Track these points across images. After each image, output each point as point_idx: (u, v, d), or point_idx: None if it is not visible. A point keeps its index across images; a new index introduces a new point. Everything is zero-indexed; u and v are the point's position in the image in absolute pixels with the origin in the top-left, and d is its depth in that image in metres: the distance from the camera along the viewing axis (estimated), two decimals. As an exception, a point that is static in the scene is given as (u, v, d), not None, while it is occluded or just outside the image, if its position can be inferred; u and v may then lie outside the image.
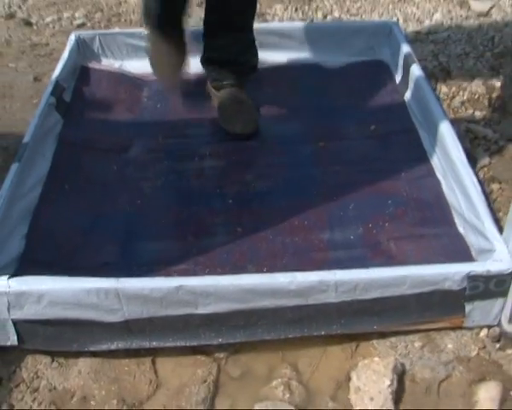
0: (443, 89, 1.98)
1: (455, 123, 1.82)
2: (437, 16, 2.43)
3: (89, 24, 2.48)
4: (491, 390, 1.15)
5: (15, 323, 1.15)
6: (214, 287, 1.13)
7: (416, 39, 2.28)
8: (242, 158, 1.63)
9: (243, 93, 1.78)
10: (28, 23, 2.51)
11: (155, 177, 1.57)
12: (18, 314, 1.14)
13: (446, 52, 2.19)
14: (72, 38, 1.94)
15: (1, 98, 1.98)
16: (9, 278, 1.13)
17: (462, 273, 1.15)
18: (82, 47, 1.95)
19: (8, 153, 1.68)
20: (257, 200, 1.50)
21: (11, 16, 2.55)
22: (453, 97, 1.95)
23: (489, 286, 1.18)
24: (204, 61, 1.82)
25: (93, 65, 1.96)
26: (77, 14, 2.56)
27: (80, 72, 1.90)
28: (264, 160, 1.62)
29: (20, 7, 2.64)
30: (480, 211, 1.29)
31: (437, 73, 2.06)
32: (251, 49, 1.79)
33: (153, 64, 1.72)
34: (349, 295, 1.15)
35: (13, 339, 1.18)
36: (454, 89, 1.98)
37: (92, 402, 1.16)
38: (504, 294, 1.19)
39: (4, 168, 1.55)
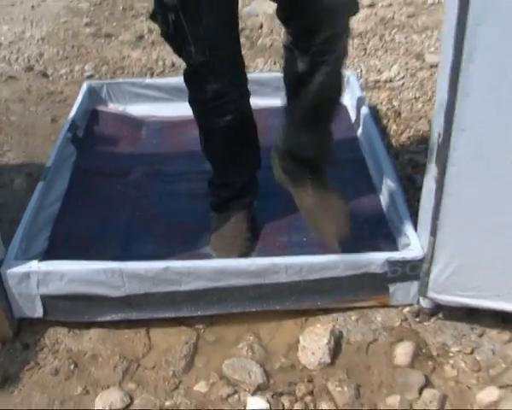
0: (393, 127, 2.38)
1: (400, 154, 2.22)
2: (395, 67, 2.84)
3: (97, 75, 2.89)
4: (406, 348, 1.50)
5: (42, 298, 1.51)
6: (194, 268, 1.49)
7: (375, 87, 2.69)
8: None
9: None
10: (45, 75, 2.92)
11: (151, 195, 1.94)
12: (44, 290, 1.49)
13: (399, 97, 2.59)
14: (85, 86, 2.34)
15: (24, 136, 2.38)
16: (39, 261, 1.50)
17: (383, 259, 1.52)
18: (92, 94, 2.35)
19: (32, 178, 2.06)
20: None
21: (30, 69, 2.97)
22: (401, 134, 2.33)
23: (405, 270, 1.54)
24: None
25: (101, 108, 2.36)
26: (86, 67, 2.97)
27: (91, 114, 2.30)
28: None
29: (37, 61, 3.06)
30: (403, 216, 1.66)
31: (389, 115, 2.46)
32: None
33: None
34: (297, 276, 1.51)
35: (39, 312, 1.53)
36: (402, 127, 2.37)
37: (100, 359, 1.50)
38: (418, 277, 1.55)
39: (29, 190, 1.93)
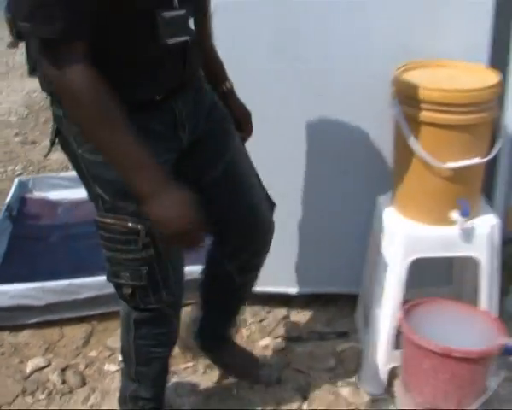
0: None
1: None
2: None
3: (25, 173, 3.86)
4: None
5: (-9, 310, 2.43)
6: (87, 282, 2.45)
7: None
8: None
9: None
10: (-17, 175, 3.88)
11: (67, 249, 2.90)
12: (-7, 304, 2.42)
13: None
14: (16, 181, 3.34)
15: (-28, 219, 3.31)
16: (-11, 286, 2.44)
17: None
18: (22, 186, 3.34)
19: (-19, 245, 3.00)
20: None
21: (-27, 171, 3.92)
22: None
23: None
24: None
25: (29, 195, 3.34)
26: (17, 168, 3.93)
27: (21, 199, 3.28)
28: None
29: (-23, 165, 4.01)
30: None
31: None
32: None
33: None
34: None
35: (-11, 320, 2.45)
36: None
37: (30, 345, 2.42)
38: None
39: (-21, 253, 2.88)
